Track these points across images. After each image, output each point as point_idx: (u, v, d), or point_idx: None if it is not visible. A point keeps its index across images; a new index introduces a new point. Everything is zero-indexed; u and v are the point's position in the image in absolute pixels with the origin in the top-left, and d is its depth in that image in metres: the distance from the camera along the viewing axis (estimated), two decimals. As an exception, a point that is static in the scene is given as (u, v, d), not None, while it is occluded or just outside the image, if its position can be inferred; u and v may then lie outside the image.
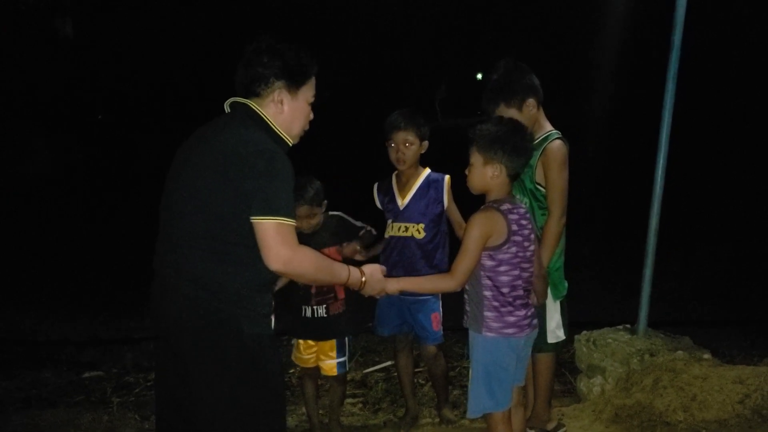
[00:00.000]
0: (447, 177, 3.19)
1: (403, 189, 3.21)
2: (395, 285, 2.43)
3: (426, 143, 3.18)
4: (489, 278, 2.40)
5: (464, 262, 2.35)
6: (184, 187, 2.03)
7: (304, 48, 2.17)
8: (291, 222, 1.98)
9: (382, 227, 3.27)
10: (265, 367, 2.07)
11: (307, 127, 2.25)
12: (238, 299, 2.00)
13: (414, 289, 2.56)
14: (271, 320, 2.15)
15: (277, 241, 1.94)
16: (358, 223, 3.18)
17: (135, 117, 17.60)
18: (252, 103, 2.12)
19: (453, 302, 3.21)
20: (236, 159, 1.96)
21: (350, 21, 18.99)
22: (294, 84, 2.14)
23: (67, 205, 11.10)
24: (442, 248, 3.20)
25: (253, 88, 2.11)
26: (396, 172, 3.26)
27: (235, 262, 1.99)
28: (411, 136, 3.11)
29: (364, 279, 2.27)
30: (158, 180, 2.21)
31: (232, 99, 2.16)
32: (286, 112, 2.14)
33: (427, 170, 3.22)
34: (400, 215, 3.19)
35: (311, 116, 2.25)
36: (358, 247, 3.00)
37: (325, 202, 3.07)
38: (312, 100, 2.22)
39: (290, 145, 2.18)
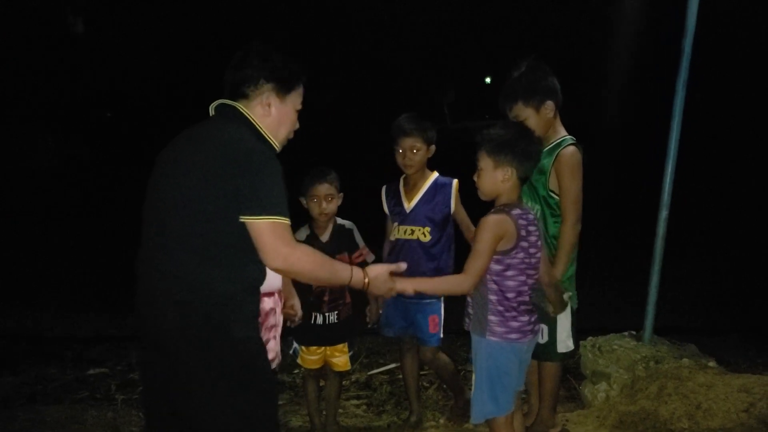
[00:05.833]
0: (455, 181, 3.19)
1: (410, 193, 3.22)
2: (408, 285, 2.40)
3: (433, 147, 3.18)
4: (495, 282, 2.40)
5: (477, 263, 2.35)
6: (172, 188, 1.99)
7: (295, 57, 2.17)
8: (286, 220, 1.95)
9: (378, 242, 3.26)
10: (257, 371, 2.06)
11: (291, 136, 2.25)
12: (227, 301, 1.96)
13: (428, 291, 2.55)
14: (258, 322, 2.13)
15: (275, 240, 1.91)
16: (361, 243, 3.18)
17: (143, 115, 17.66)
18: (239, 105, 2.10)
19: (459, 306, 3.21)
20: (225, 158, 1.93)
21: (358, 24, 18.99)
22: (283, 89, 2.14)
23: (74, 201, 11.14)
24: (447, 251, 3.20)
25: (242, 89, 2.10)
26: (404, 175, 3.26)
27: (224, 263, 1.95)
28: (418, 143, 3.12)
29: (367, 280, 2.23)
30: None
31: (218, 102, 2.14)
32: (273, 115, 2.13)
33: (435, 174, 3.22)
34: (406, 218, 3.19)
35: (297, 125, 2.24)
36: None
37: (341, 194, 3.08)
38: (299, 107, 2.22)
39: (277, 149, 2.15)
